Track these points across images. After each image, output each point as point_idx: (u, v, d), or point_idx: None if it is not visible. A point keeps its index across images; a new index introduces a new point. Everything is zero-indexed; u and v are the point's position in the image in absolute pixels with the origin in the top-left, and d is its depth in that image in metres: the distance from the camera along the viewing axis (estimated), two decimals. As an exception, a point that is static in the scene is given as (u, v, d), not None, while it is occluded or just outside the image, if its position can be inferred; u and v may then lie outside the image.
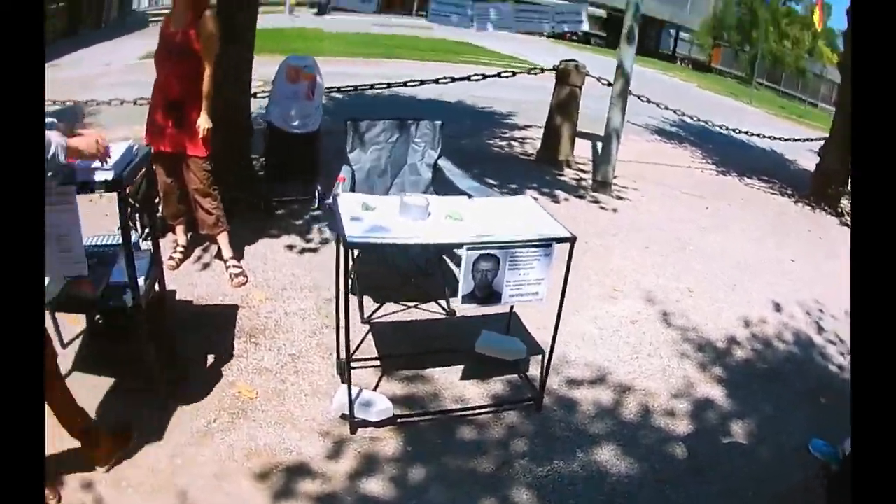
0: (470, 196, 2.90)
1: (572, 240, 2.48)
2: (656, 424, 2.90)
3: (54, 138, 1.84)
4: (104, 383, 2.70)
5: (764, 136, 8.34)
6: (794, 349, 3.75)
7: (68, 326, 3.07)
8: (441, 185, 3.59)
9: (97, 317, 2.94)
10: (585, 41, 26.45)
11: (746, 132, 8.27)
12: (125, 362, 2.69)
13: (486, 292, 2.38)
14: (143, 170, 2.80)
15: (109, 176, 2.15)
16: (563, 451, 2.64)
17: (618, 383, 3.12)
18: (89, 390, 2.58)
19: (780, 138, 8.63)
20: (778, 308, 4.17)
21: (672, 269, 4.47)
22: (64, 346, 2.93)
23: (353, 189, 3.28)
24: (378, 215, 2.51)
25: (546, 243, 2.42)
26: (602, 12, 27.02)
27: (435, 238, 2.43)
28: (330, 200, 2.73)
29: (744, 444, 2.87)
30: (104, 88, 7.04)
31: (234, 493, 2.26)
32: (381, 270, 3.65)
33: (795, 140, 8.82)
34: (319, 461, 2.45)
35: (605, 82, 6.12)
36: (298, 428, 2.60)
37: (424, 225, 2.48)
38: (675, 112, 7.57)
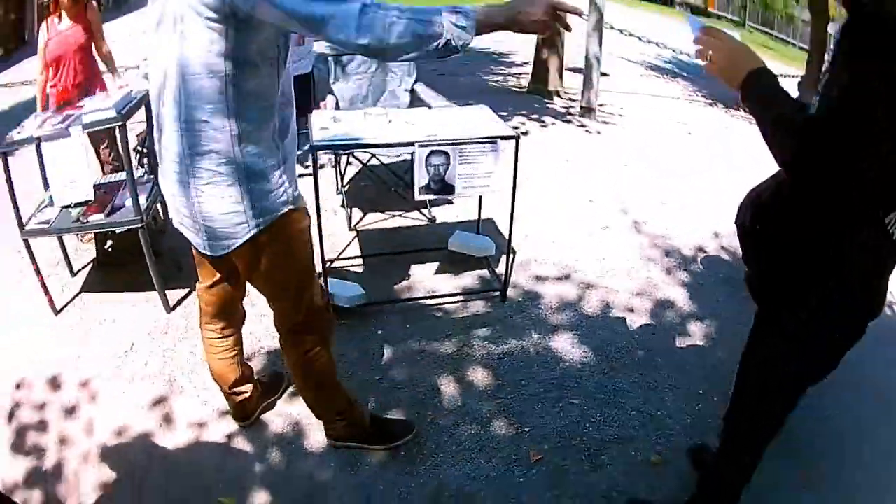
0: (430, 107, 3.12)
1: (516, 137, 2.68)
2: (615, 318, 2.98)
3: None
4: (112, 299, 3.02)
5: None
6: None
7: (79, 252, 3.43)
8: (417, 106, 3.83)
9: (107, 245, 3.25)
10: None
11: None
12: (132, 283, 3.04)
13: (440, 185, 2.61)
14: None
15: (112, 114, 2.64)
16: (520, 336, 2.79)
17: (582, 281, 3.27)
18: (99, 306, 2.96)
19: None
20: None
21: (648, 185, 4.52)
22: (73, 273, 3.25)
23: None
24: (343, 126, 2.77)
25: (492, 140, 2.61)
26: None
27: (391, 139, 2.67)
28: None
29: (700, 344, 2.86)
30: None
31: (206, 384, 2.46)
32: (371, 185, 4.06)
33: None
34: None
35: (586, 17, 6.13)
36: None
37: (382, 129, 2.72)
38: (669, 49, 7.54)
